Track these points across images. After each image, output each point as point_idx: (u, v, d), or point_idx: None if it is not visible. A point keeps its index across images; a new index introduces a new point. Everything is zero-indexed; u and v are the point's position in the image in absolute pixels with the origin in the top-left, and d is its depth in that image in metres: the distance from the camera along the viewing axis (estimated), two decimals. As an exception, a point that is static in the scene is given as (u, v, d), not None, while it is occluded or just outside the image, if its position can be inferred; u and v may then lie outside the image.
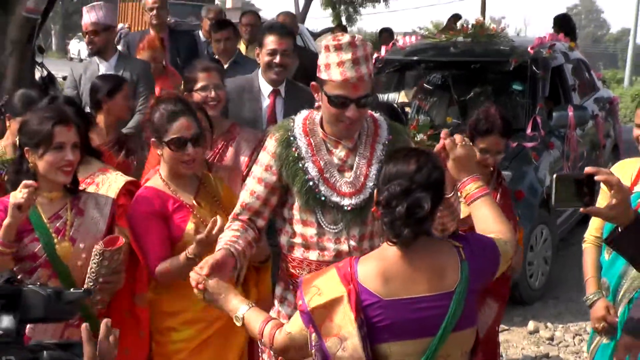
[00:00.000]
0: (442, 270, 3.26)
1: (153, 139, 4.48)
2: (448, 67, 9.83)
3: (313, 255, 4.07)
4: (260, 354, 4.30)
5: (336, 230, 4.03)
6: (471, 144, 3.73)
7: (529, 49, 9.55)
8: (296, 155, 4.04)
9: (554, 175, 3.26)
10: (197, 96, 5.51)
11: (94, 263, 4.05)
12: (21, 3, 9.93)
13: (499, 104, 9.17)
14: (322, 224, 4.04)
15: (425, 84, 9.70)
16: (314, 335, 3.23)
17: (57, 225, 4.15)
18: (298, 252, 4.11)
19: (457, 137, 3.59)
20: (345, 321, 3.16)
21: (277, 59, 6.36)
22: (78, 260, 4.17)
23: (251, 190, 4.10)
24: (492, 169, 5.15)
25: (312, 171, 4.01)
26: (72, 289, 2.32)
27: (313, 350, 3.25)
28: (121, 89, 6.33)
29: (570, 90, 9.94)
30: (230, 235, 3.99)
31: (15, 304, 2.14)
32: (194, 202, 4.51)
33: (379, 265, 3.23)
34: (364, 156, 4.05)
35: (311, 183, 4.00)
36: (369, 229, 4.06)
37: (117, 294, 4.58)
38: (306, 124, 4.10)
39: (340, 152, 4.06)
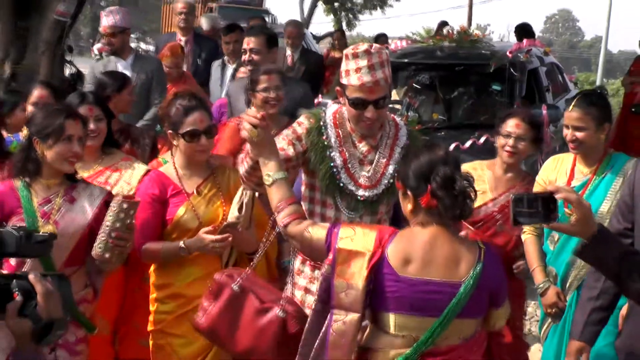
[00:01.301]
0: (458, 261, 3.33)
1: (170, 131, 4.51)
2: (435, 69, 9.84)
3: None
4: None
5: (351, 216, 4.10)
6: None
7: (507, 53, 9.54)
8: (325, 143, 4.12)
9: (511, 197, 3.20)
10: (259, 96, 5.63)
11: (110, 216, 4.01)
12: (52, 7, 9.92)
13: (480, 102, 9.30)
14: (340, 206, 4.12)
15: (414, 84, 9.70)
16: (327, 267, 3.33)
17: (45, 208, 4.16)
18: None
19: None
20: (359, 274, 3.26)
21: (247, 56, 6.74)
22: (60, 241, 3.95)
23: (280, 147, 4.01)
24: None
25: (338, 160, 4.10)
26: (39, 232, 2.34)
27: (321, 278, 3.37)
28: (127, 85, 6.36)
29: (544, 91, 9.94)
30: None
31: None
32: (194, 190, 4.52)
33: (406, 245, 3.34)
34: (384, 155, 4.13)
35: (334, 170, 4.09)
36: (378, 217, 4.13)
37: (130, 275, 4.62)
38: (336, 117, 4.18)
39: (363, 147, 4.15)
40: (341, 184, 4.10)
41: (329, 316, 3.32)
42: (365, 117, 3.99)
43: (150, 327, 4.58)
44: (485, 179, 5.00)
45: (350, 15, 46.20)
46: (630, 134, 12.65)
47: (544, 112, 9.18)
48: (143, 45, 31.72)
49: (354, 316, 3.28)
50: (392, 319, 3.29)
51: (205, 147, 4.53)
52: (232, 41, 8.48)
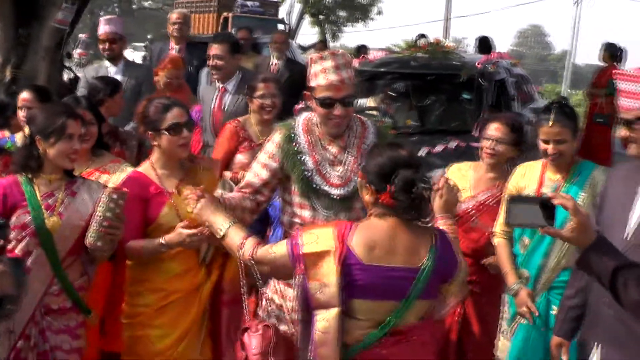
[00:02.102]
0: (416, 248, 3.38)
1: (150, 132, 4.45)
2: (409, 78, 9.84)
3: None
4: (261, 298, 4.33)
5: (327, 214, 4.12)
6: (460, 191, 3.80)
7: (477, 64, 9.63)
8: (296, 149, 4.16)
9: (507, 197, 3.16)
10: (256, 102, 5.72)
11: (101, 207, 4.04)
12: (52, 15, 9.90)
13: (450, 110, 9.33)
14: (315, 207, 4.14)
15: (389, 92, 9.73)
16: (300, 276, 3.32)
17: (49, 202, 4.17)
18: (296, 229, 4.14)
19: (452, 183, 3.74)
20: (329, 271, 3.26)
21: (211, 62, 6.92)
22: (66, 232, 4.17)
23: (255, 173, 4.23)
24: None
25: (309, 164, 4.13)
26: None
27: (296, 287, 3.35)
28: (119, 90, 6.39)
29: (511, 100, 9.97)
30: (228, 194, 4.16)
31: None
32: (174, 189, 4.48)
33: (367, 235, 3.35)
34: (352, 154, 4.15)
35: (307, 173, 4.12)
36: (354, 214, 4.12)
37: (116, 269, 4.62)
38: (306, 123, 4.21)
39: (332, 149, 4.17)
40: (315, 186, 4.12)
41: (312, 320, 3.32)
42: (333, 115, 4.02)
43: (126, 320, 4.53)
44: (468, 179, 5.03)
45: (335, 28, 46.35)
46: (593, 142, 12.81)
47: (510, 120, 9.25)
48: (130, 53, 31.29)
49: (334, 310, 3.28)
50: (358, 305, 3.31)
51: (187, 140, 4.49)
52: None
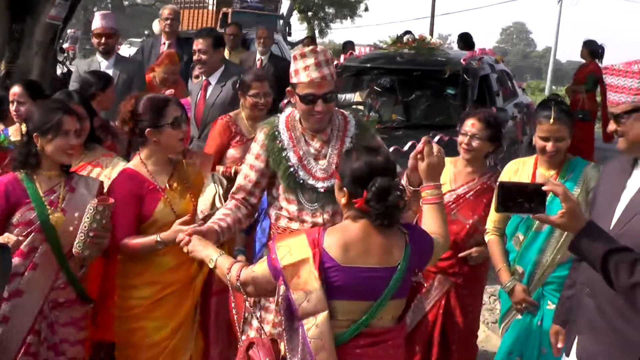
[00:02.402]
0: (390, 248, 3.36)
1: (149, 129, 4.38)
2: (395, 74, 9.82)
3: (295, 225, 4.17)
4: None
5: (313, 207, 4.13)
6: (444, 155, 3.69)
7: (461, 60, 9.59)
8: (280, 146, 4.16)
9: (498, 184, 3.14)
10: (249, 100, 5.71)
11: (87, 218, 4.07)
12: (45, 11, 9.89)
13: (435, 105, 9.33)
14: (301, 201, 4.15)
15: (375, 87, 9.70)
16: (282, 287, 3.28)
17: (52, 198, 4.20)
18: (283, 223, 4.22)
19: (435, 147, 3.63)
20: (310, 278, 3.23)
21: (196, 56, 6.99)
22: (69, 227, 4.20)
23: (245, 175, 4.24)
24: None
25: (293, 159, 4.13)
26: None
27: (280, 300, 3.29)
28: (111, 84, 6.40)
29: (494, 95, 9.96)
30: (221, 214, 4.12)
31: None
32: (166, 185, 4.48)
33: (342, 237, 3.33)
34: (335, 147, 4.15)
35: (292, 169, 4.12)
36: (338, 206, 4.02)
37: (109, 262, 4.62)
38: (288, 120, 4.22)
39: (315, 144, 4.17)
40: (301, 180, 4.13)
41: (300, 330, 3.28)
42: (315, 111, 4.01)
43: (120, 313, 4.52)
44: (448, 173, 4.99)
45: (323, 24, 46.39)
46: (575, 137, 12.85)
47: (493, 114, 9.27)
48: (127, 48, 31.13)
49: (323, 314, 3.25)
50: (336, 305, 3.29)
51: (185, 134, 4.54)
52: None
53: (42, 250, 4.18)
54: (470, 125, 4.94)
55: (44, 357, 4.25)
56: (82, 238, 4.10)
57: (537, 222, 4.54)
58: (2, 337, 4.15)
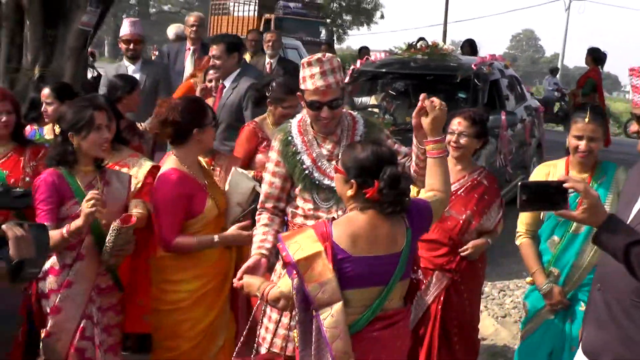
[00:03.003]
0: (395, 236, 3.38)
1: (196, 129, 4.44)
2: (409, 78, 9.83)
3: (310, 222, 4.11)
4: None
5: (328, 206, 4.12)
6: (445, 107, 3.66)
7: (472, 66, 9.58)
8: (294, 150, 4.16)
9: (520, 183, 3.09)
10: (281, 111, 5.64)
11: (112, 236, 4.15)
12: (77, 18, 9.94)
13: (447, 108, 9.26)
14: (316, 201, 4.14)
15: (390, 91, 9.71)
16: (296, 280, 3.27)
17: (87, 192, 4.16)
18: (299, 220, 4.19)
19: (436, 101, 3.63)
20: (324, 270, 3.23)
21: (211, 62, 6.94)
22: (107, 219, 4.22)
23: (269, 182, 4.23)
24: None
25: (307, 162, 4.13)
26: (17, 189, 2.39)
27: (294, 292, 3.29)
28: (137, 87, 6.36)
29: (504, 99, 9.96)
30: (260, 233, 4.15)
31: None
32: (205, 182, 4.55)
33: (350, 229, 3.33)
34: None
35: (307, 171, 4.11)
36: None
37: (137, 258, 4.65)
38: (300, 125, 4.21)
39: (327, 145, 4.16)
40: (316, 181, 4.12)
41: (315, 319, 3.28)
42: (321, 117, 4.02)
43: (165, 306, 4.53)
44: None
45: (340, 31, 46.41)
46: None
47: (503, 117, 9.25)
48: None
49: (338, 304, 3.26)
50: (349, 294, 3.30)
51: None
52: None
53: (87, 242, 4.24)
54: (457, 123, 4.89)
55: (100, 339, 4.32)
56: (107, 252, 4.20)
57: (575, 224, 4.46)
58: (55, 327, 4.21)
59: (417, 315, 4.88)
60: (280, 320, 4.15)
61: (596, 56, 13.68)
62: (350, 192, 3.38)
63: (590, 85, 13.67)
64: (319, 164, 4.13)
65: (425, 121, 3.61)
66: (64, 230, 4.02)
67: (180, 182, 4.40)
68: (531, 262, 4.69)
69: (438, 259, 4.89)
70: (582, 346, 3.57)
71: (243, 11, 29.18)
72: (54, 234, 3.95)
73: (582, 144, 4.42)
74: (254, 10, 28.26)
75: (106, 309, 4.38)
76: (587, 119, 4.38)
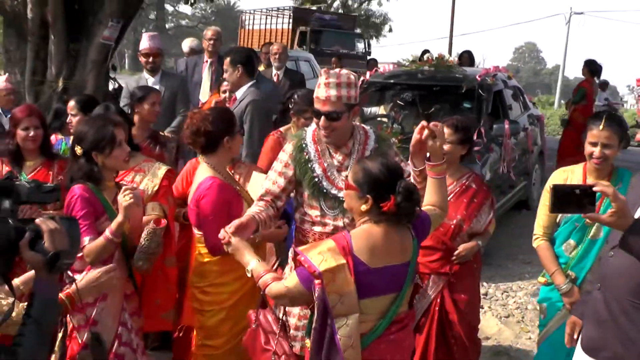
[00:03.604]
0: (405, 245, 3.43)
1: (227, 137, 4.46)
2: (416, 89, 9.84)
3: (317, 228, 4.19)
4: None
5: (334, 214, 4.14)
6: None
7: (477, 77, 9.58)
8: (306, 158, 4.17)
9: (551, 186, 3.09)
10: (303, 121, 5.66)
11: (146, 240, 4.19)
12: (99, 33, 10.00)
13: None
14: (323, 208, 4.16)
15: (398, 101, 9.73)
16: (318, 289, 3.26)
17: (116, 207, 4.12)
18: (307, 226, 4.24)
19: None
20: (346, 283, 3.25)
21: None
22: (132, 233, 4.24)
23: (273, 180, 4.23)
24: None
25: (318, 170, 4.14)
26: (47, 184, 2.43)
27: (316, 301, 3.28)
28: (149, 96, 6.12)
29: (507, 108, 9.95)
30: (256, 208, 4.09)
31: (10, 192, 2.28)
32: (237, 188, 4.57)
33: (369, 242, 3.35)
34: (356, 160, 4.09)
35: (316, 179, 4.13)
36: None
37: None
38: (315, 134, 4.20)
39: (339, 156, 4.17)
40: (324, 190, 4.13)
41: (329, 328, 3.30)
42: (320, 125, 4.03)
43: (209, 307, 4.54)
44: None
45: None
46: (570, 148, 13.12)
47: (506, 126, 9.24)
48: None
49: (354, 316, 3.29)
50: (366, 303, 3.33)
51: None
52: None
53: (117, 255, 4.19)
54: None
55: (136, 342, 4.32)
56: (142, 256, 4.21)
57: (593, 230, 4.46)
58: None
59: (417, 317, 4.87)
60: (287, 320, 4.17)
61: (592, 68, 13.81)
62: (365, 207, 3.38)
63: (581, 94, 13.81)
64: (329, 173, 4.14)
65: (433, 145, 3.63)
66: (107, 232, 3.99)
67: (221, 189, 4.38)
68: (550, 264, 4.63)
69: (433, 264, 4.90)
70: (581, 343, 3.58)
71: (276, 24, 27.62)
72: (99, 243, 3.95)
73: (597, 151, 4.35)
74: (288, 23, 26.90)
75: (131, 314, 4.35)
76: (601, 126, 4.31)
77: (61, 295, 3.51)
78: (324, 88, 3.97)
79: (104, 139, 4.12)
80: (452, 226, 4.85)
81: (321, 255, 3.28)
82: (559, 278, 4.56)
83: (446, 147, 4.82)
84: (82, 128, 4.28)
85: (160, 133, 6.31)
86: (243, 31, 29.01)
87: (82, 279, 3.70)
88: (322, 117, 3.99)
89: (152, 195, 4.78)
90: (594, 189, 2.98)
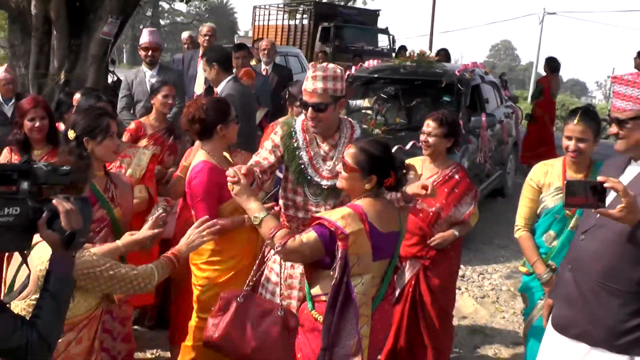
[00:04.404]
0: (395, 215, 3.63)
1: (220, 125, 4.49)
2: (399, 83, 9.82)
3: (300, 214, 4.19)
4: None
5: (317, 200, 4.14)
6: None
7: (456, 72, 9.60)
8: (295, 145, 4.16)
9: (565, 181, 3.04)
10: (297, 109, 5.64)
11: (153, 214, 4.05)
12: (99, 28, 9.98)
13: (433, 110, 9.24)
14: (307, 194, 4.16)
15: (382, 94, 9.72)
16: (342, 250, 3.37)
17: (108, 195, 4.12)
18: (291, 211, 4.23)
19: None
20: (363, 245, 3.42)
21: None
22: (123, 220, 4.21)
23: (263, 157, 4.22)
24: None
25: (305, 158, 4.13)
26: (62, 167, 2.44)
27: (339, 259, 3.37)
28: (161, 89, 6.13)
29: (484, 102, 9.96)
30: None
31: (29, 175, 2.30)
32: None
33: (375, 211, 3.52)
34: (341, 152, 4.09)
35: (302, 166, 4.12)
36: (340, 200, 4.13)
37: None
38: (304, 124, 4.18)
39: (325, 147, 4.16)
40: (309, 177, 4.12)
41: (344, 287, 3.37)
42: (307, 116, 4.03)
43: (206, 282, 4.54)
44: (417, 169, 4.96)
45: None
46: (534, 141, 13.15)
47: (483, 119, 9.27)
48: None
49: (368, 275, 3.46)
50: (373, 266, 3.50)
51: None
52: (240, 57, 8.53)
53: (110, 240, 4.05)
54: (426, 125, 4.88)
55: (117, 330, 4.29)
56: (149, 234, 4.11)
57: (573, 221, 4.41)
58: None
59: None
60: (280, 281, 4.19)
61: (552, 65, 13.95)
62: (369, 186, 3.53)
63: (539, 90, 13.95)
64: (315, 162, 4.14)
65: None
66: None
67: (211, 172, 4.39)
68: (531, 254, 4.58)
69: (410, 248, 4.90)
70: (552, 321, 3.60)
71: (295, 19, 25.24)
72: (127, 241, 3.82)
73: (572, 144, 4.33)
74: (309, 19, 24.18)
75: (124, 302, 4.27)
76: (575, 121, 4.29)
77: (168, 254, 3.53)
78: (311, 81, 3.97)
79: (98, 127, 4.06)
80: (431, 213, 4.85)
81: (344, 220, 3.40)
82: (539, 267, 4.52)
83: (431, 139, 4.85)
84: (79, 114, 4.25)
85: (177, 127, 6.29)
86: (257, 27, 26.71)
87: (183, 240, 3.67)
88: (309, 108, 3.99)
89: (139, 179, 4.85)
90: (605, 185, 2.93)
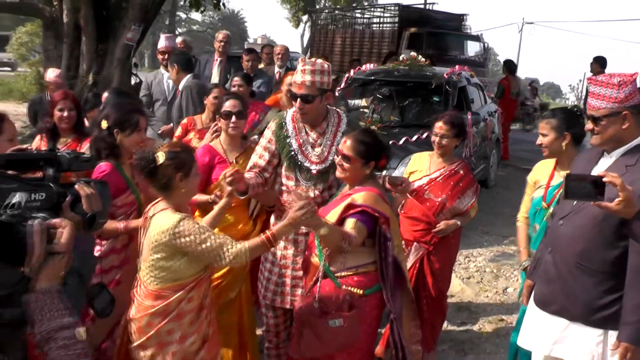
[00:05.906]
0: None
1: (217, 117, 4.64)
2: (393, 84, 9.77)
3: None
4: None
5: (308, 184, 4.08)
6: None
7: (444, 75, 9.56)
8: (285, 134, 4.11)
9: (566, 175, 2.99)
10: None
11: None
12: (123, 35, 9.97)
13: (424, 109, 9.31)
14: (299, 179, 4.10)
15: (377, 95, 9.69)
16: (386, 231, 3.51)
17: (136, 181, 4.05)
18: (285, 196, 4.15)
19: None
20: (395, 222, 3.65)
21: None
22: (145, 200, 4.07)
23: (260, 154, 4.18)
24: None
25: (294, 145, 4.08)
26: (84, 154, 2.43)
27: (380, 234, 3.52)
28: (212, 91, 5.95)
29: (470, 102, 9.92)
30: (247, 175, 4.04)
31: (53, 162, 2.30)
32: (233, 160, 4.55)
33: (382, 189, 3.77)
34: (329, 139, 4.08)
35: (292, 153, 4.07)
36: (328, 184, 4.10)
37: None
38: (294, 115, 4.12)
39: (313, 134, 4.11)
40: (299, 162, 4.07)
41: (390, 259, 3.53)
42: (296, 106, 3.97)
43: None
44: (424, 163, 4.93)
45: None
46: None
47: (469, 117, 9.23)
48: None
49: (397, 242, 3.69)
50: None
51: (235, 124, 4.55)
52: (250, 60, 8.49)
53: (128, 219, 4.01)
54: (439, 127, 4.82)
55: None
56: None
57: (548, 213, 4.35)
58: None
59: None
60: (277, 275, 4.18)
61: (509, 67, 14.03)
62: (368, 171, 3.65)
63: (500, 90, 13.94)
64: (304, 148, 4.08)
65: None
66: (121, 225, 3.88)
67: (204, 154, 4.48)
68: (520, 242, 4.58)
69: (416, 233, 4.87)
70: (534, 298, 3.59)
71: (384, 25, 19.21)
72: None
73: (538, 140, 4.34)
74: (394, 24, 18.27)
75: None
76: (542, 119, 4.33)
77: (262, 236, 3.34)
78: (300, 74, 3.92)
79: (128, 121, 4.02)
80: (437, 203, 4.82)
81: (379, 205, 3.52)
82: (523, 255, 4.52)
83: (444, 141, 4.82)
84: (113, 107, 4.21)
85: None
86: (326, 31, 21.13)
87: (277, 223, 3.57)
88: (298, 99, 3.94)
89: None
90: (604, 179, 2.88)
